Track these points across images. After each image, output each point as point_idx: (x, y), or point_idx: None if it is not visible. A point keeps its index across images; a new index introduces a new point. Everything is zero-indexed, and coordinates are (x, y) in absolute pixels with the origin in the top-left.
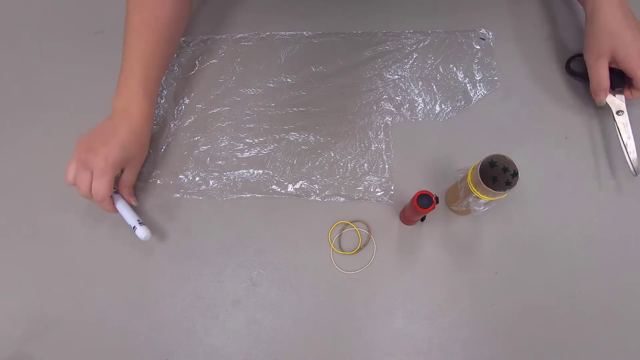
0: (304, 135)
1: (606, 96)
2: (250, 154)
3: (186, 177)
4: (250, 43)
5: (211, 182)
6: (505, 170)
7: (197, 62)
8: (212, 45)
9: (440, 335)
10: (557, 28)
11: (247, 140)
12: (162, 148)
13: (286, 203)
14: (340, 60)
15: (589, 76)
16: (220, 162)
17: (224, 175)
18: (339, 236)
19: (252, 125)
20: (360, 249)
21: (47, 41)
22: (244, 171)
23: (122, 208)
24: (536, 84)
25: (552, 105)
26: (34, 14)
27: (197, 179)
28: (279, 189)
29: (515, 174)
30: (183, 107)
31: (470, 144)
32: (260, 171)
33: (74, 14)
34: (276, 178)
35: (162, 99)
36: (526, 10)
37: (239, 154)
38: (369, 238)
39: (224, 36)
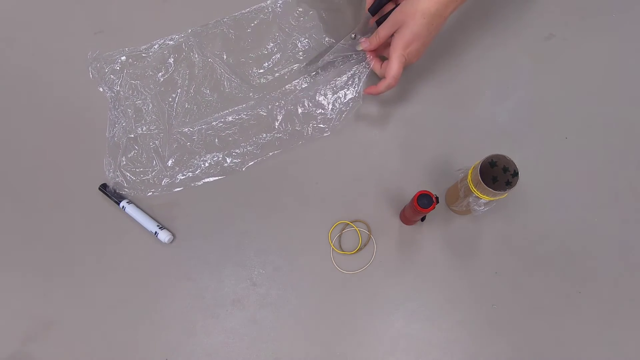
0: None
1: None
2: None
3: (203, 162)
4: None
5: (228, 160)
6: (505, 170)
7: (171, 61)
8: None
9: (440, 335)
10: None
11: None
12: (167, 148)
13: (287, 202)
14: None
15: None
16: (230, 139)
17: (241, 146)
18: (339, 236)
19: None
20: (360, 249)
21: (47, 41)
22: (255, 138)
23: (140, 216)
24: None
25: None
26: (33, 13)
27: (215, 159)
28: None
29: (515, 174)
30: (174, 104)
31: (470, 144)
32: (269, 135)
33: (74, 14)
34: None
35: (148, 105)
36: None
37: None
38: (369, 238)
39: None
